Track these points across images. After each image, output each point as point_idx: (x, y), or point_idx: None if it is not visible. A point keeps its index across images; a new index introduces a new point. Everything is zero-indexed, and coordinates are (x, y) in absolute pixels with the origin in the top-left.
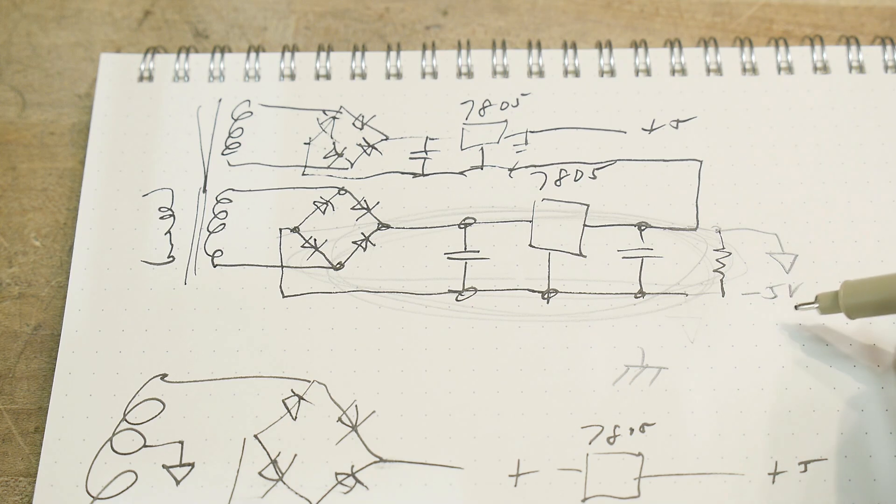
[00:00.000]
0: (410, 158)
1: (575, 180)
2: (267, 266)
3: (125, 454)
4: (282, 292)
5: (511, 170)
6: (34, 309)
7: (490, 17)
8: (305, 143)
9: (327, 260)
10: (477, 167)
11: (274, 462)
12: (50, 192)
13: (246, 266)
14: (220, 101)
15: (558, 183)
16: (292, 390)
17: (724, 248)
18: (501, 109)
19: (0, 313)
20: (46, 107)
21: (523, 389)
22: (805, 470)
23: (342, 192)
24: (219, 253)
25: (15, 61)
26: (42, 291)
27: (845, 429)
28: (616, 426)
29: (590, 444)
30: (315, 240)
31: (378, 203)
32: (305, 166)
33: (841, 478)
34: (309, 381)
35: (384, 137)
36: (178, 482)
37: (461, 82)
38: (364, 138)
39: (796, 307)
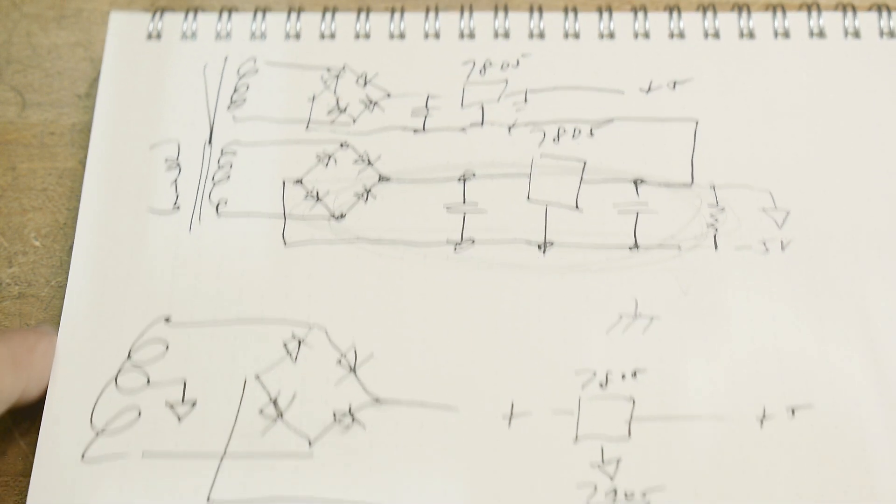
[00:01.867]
0: (412, 115)
1: (573, 138)
2: (270, 216)
3: (129, 392)
4: (284, 241)
5: (510, 127)
6: (34, 309)
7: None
8: (309, 100)
9: (329, 210)
10: (477, 124)
11: (274, 401)
12: (50, 192)
13: (249, 215)
14: (226, 58)
15: (556, 140)
16: (293, 334)
17: (717, 203)
18: (502, 69)
19: (0, 313)
20: (46, 107)
21: (519, 336)
22: (792, 416)
23: (344, 146)
24: (223, 202)
25: (15, 61)
26: (42, 291)
27: (833, 377)
28: (608, 372)
29: (582, 388)
30: (317, 191)
31: (379, 157)
32: (309, 121)
33: (827, 424)
34: (309, 326)
35: (386, 95)
36: (180, 419)
37: (463, 43)
38: (367, 95)
39: None
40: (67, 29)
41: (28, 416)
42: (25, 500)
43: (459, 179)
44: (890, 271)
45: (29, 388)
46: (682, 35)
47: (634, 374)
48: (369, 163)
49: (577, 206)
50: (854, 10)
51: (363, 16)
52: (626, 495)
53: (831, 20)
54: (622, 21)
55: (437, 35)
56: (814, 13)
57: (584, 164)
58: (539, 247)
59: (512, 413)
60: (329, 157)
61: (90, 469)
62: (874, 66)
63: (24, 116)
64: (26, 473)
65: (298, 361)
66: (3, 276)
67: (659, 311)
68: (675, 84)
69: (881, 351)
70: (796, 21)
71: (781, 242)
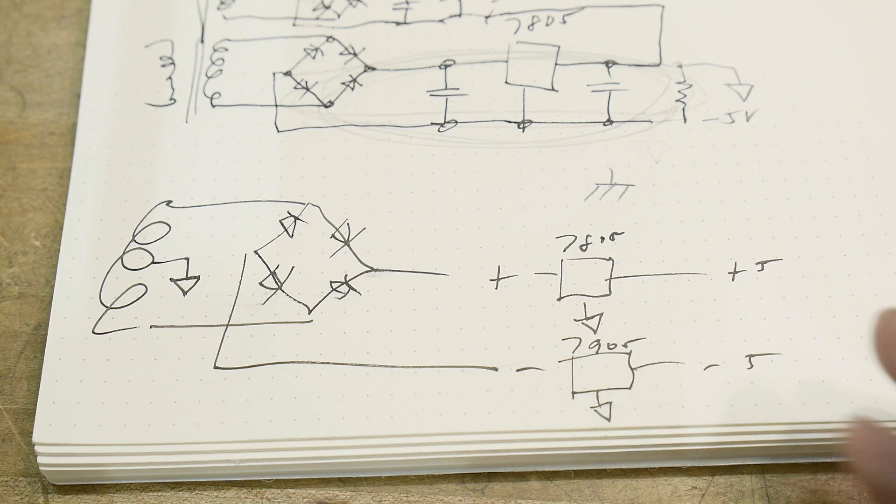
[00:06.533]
0: (394, 9)
1: (546, 25)
2: (262, 105)
3: (135, 270)
4: (276, 127)
5: (487, 17)
6: (34, 309)
7: None
8: None
9: (318, 99)
10: (455, 15)
11: (273, 273)
12: (50, 192)
13: (242, 105)
14: None
15: (531, 28)
16: (288, 212)
17: (685, 81)
18: None
19: (0, 313)
20: (46, 107)
21: (502, 206)
22: (762, 269)
23: (330, 39)
24: (217, 95)
25: (15, 61)
26: (42, 291)
27: (799, 233)
28: (588, 235)
29: (564, 251)
30: (306, 81)
31: (364, 49)
32: (296, 18)
33: (795, 275)
34: (304, 204)
35: None
36: (185, 293)
37: None
38: None
39: None
40: (67, 29)
41: (28, 415)
42: (26, 501)
43: (441, 67)
44: (848, 136)
45: None
46: None
47: (612, 237)
48: (354, 54)
49: (552, 88)
50: None
51: None
52: (608, 346)
53: None
54: None
55: None
56: None
57: (558, 49)
58: (518, 125)
59: (499, 276)
60: (316, 50)
61: (101, 341)
62: None
63: (24, 116)
64: (27, 473)
65: (295, 237)
66: (3, 276)
67: (633, 179)
68: None
69: (839, 205)
70: None
71: (746, 113)
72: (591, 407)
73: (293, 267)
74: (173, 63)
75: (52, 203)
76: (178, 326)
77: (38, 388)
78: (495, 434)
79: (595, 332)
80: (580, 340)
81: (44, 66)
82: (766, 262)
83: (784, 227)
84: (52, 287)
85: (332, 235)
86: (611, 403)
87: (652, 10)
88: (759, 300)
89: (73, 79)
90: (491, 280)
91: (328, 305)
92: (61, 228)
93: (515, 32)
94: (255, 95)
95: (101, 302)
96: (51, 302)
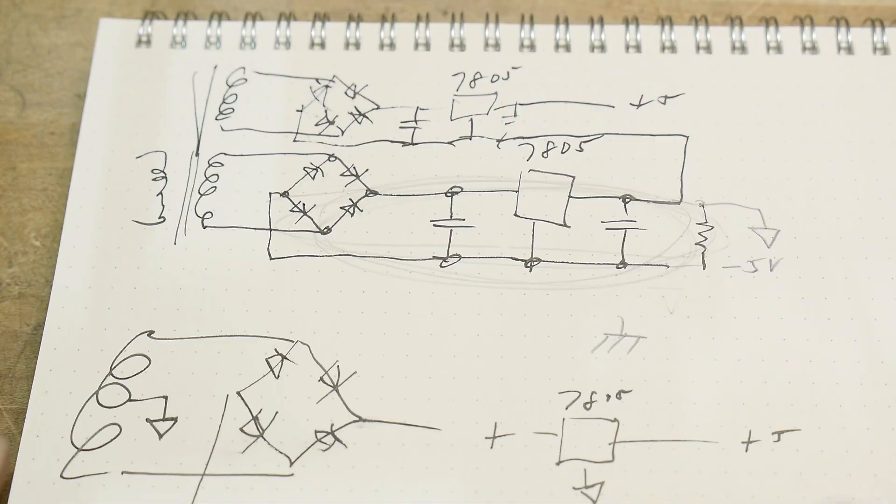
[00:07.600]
0: (400, 128)
1: (562, 152)
2: (255, 229)
3: (110, 408)
4: (269, 254)
5: (499, 141)
6: (34, 309)
7: (490, 17)
8: (298, 111)
9: (315, 224)
10: (466, 137)
11: (255, 419)
12: (50, 192)
13: (235, 228)
14: (215, 67)
15: (545, 155)
16: (276, 350)
17: (706, 221)
18: (492, 82)
19: (0, 313)
20: (46, 107)
21: (503, 354)
22: (778, 440)
23: (332, 158)
24: (209, 215)
25: (15, 61)
26: (42, 291)
27: (820, 401)
28: (593, 392)
29: (566, 409)
30: (304, 204)
31: (367, 170)
32: (297, 133)
33: (813, 448)
34: (292, 342)
35: (375, 107)
36: (161, 436)
37: (453, 54)
38: (356, 107)
39: None
40: (67, 29)
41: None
42: None
43: (447, 194)
44: (880, 294)
45: None
46: (673, 48)
47: (619, 395)
48: (356, 176)
49: (564, 223)
50: (847, 24)
51: (353, 25)
52: None
53: (824, 35)
54: (613, 33)
55: (427, 45)
56: (806, 28)
57: (573, 179)
58: (525, 264)
59: (495, 434)
60: (316, 170)
61: (70, 486)
62: (867, 82)
63: (24, 116)
64: None
65: (280, 378)
66: (3, 276)
67: (645, 330)
68: (665, 99)
69: (868, 374)
70: (789, 35)
71: (770, 262)
72: None
73: (276, 412)
74: (165, 177)
75: (52, 203)
76: (152, 474)
77: None
78: None
79: (595, 502)
80: None
81: (44, 66)
82: (783, 431)
83: (805, 393)
84: (52, 287)
85: (321, 378)
86: None
87: (675, 140)
88: (774, 475)
89: (73, 79)
90: (486, 438)
91: (311, 457)
92: (61, 228)
93: (528, 159)
94: (248, 217)
95: (71, 442)
96: (50, 301)
